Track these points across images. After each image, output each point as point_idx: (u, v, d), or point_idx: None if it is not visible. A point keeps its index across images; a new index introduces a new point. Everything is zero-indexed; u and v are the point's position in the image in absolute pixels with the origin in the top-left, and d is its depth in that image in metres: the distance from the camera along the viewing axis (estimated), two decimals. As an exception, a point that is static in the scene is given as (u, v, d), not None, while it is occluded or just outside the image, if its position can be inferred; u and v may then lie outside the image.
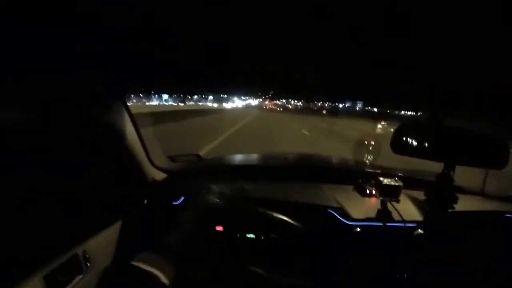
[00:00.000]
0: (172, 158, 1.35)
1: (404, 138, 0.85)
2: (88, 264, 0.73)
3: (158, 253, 0.77)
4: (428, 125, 0.87)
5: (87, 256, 0.73)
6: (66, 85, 0.71)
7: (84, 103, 0.75)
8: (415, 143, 0.84)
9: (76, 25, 0.67)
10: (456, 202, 0.86)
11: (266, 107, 65.22)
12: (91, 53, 0.76)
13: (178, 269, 0.96)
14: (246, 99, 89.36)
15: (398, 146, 0.86)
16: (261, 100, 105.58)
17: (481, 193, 1.29)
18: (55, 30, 0.62)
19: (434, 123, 0.91)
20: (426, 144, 0.83)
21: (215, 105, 45.37)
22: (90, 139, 0.79)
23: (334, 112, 55.82)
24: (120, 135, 0.85)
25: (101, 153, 0.84)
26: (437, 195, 0.88)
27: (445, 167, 0.85)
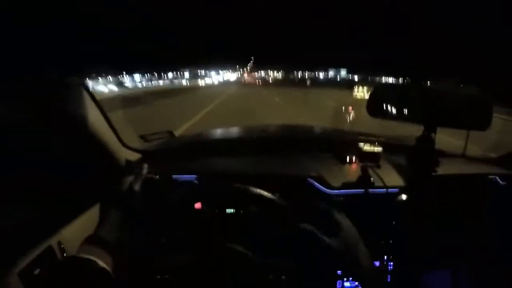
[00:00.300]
0: (144, 138, 1.31)
1: (381, 101, 0.80)
2: (65, 255, 0.71)
3: (132, 235, 0.79)
4: (406, 87, 0.82)
5: (63, 246, 0.71)
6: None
7: (46, 94, 0.73)
8: (393, 105, 0.79)
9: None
10: (438, 166, 0.83)
11: (245, 81, 64.08)
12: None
13: (155, 253, 0.94)
14: (223, 74, 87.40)
15: (375, 109, 0.81)
16: (240, 73, 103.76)
17: (462, 156, 1.27)
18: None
19: (412, 84, 0.84)
20: (405, 107, 0.78)
21: (188, 83, 43.68)
22: (57, 127, 0.78)
23: (318, 82, 57.13)
24: (86, 120, 0.82)
25: (68, 140, 0.83)
26: (419, 159, 0.85)
27: (426, 130, 0.81)
